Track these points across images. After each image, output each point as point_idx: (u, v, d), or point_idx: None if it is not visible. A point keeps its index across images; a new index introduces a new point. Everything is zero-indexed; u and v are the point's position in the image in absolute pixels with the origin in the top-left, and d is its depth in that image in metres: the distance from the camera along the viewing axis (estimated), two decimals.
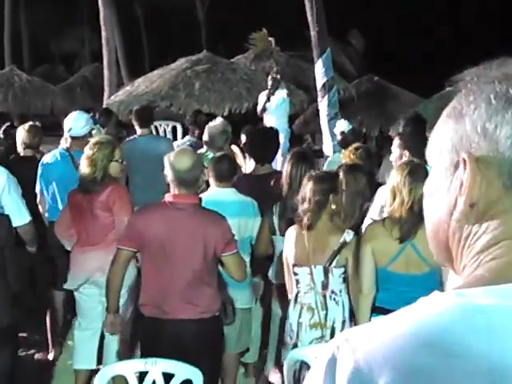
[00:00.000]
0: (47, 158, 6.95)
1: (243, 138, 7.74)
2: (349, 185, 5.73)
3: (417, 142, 5.58)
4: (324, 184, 4.83)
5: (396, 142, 5.81)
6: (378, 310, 4.50)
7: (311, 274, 4.86)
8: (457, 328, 1.01)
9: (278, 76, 13.39)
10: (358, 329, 1.10)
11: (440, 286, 4.54)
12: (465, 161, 1.10)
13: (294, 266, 4.92)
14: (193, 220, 4.72)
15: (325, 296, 4.86)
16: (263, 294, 6.24)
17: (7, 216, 5.01)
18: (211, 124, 7.54)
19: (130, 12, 32.62)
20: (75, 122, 6.89)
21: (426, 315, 1.04)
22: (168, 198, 4.82)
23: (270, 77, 14.17)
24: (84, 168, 5.66)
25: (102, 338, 5.86)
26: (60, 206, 6.68)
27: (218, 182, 5.74)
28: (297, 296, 4.94)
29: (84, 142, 6.77)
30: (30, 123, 8.05)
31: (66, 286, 5.92)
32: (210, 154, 6.88)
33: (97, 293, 5.73)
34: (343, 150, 7.33)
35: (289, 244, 4.95)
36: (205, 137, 7.61)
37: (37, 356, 6.75)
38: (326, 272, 4.86)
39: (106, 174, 5.64)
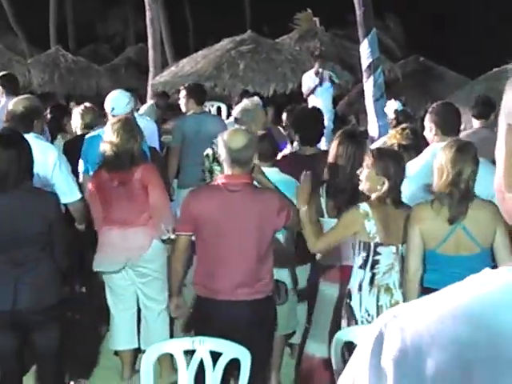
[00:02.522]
0: (90, 138, 6.99)
1: (285, 117, 7.67)
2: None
3: (445, 118, 5.62)
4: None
5: (427, 116, 5.80)
6: (426, 291, 4.43)
7: (397, 252, 4.76)
8: (509, 306, 0.99)
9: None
10: (407, 306, 1.09)
11: (491, 266, 4.51)
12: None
13: (379, 245, 4.73)
14: (247, 201, 4.71)
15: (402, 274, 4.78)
16: (308, 276, 6.19)
17: (55, 194, 5.06)
18: (242, 105, 7.29)
19: None
20: (117, 101, 6.87)
21: (477, 293, 1.03)
22: (221, 179, 4.82)
23: (317, 61, 14.19)
24: (114, 147, 5.59)
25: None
26: None
27: (260, 161, 5.70)
28: (373, 278, 4.76)
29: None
30: (86, 104, 8.16)
31: (103, 269, 5.85)
32: None
33: (131, 273, 5.80)
34: (390, 131, 7.26)
35: (370, 222, 4.72)
36: (237, 115, 7.37)
37: (84, 335, 6.80)
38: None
39: (137, 152, 5.64)
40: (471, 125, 11.61)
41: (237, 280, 4.72)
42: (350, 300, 4.80)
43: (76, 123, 7.91)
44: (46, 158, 5.70)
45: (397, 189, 4.76)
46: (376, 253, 4.74)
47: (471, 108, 8.14)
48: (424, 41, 25.45)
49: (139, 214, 5.66)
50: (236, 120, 7.33)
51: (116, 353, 6.21)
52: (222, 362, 4.14)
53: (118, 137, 5.59)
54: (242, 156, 4.71)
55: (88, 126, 7.77)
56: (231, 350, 4.15)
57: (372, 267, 4.75)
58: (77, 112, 8.00)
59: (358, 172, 4.85)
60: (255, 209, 4.71)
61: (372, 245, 4.72)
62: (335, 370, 4.31)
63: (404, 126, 6.93)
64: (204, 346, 4.15)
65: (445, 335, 1.00)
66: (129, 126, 5.69)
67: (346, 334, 4.41)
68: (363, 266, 4.77)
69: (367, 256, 4.75)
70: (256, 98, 7.80)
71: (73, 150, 6.86)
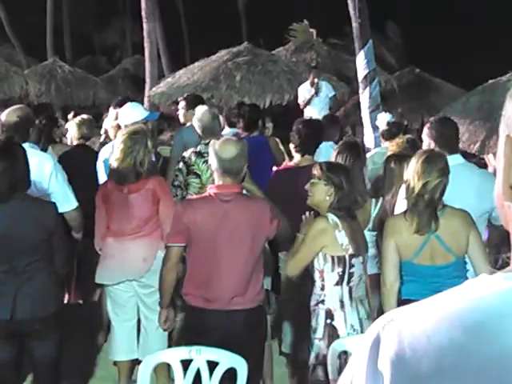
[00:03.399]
0: (106, 150, 6.96)
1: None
2: (398, 174, 5.77)
3: (444, 133, 5.61)
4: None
5: (425, 131, 5.82)
6: (404, 303, 4.42)
7: (364, 262, 4.84)
8: (504, 312, 1.00)
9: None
10: (405, 309, 1.10)
11: (466, 275, 4.54)
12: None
13: (352, 257, 4.74)
14: (239, 210, 4.73)
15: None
16: None
17: (54, 203, 5.06)
18: (197, 116, 6.89)
19: (171, 4, 32.71)
20: (128, 113, 6.88)
21: (473, 298, 1.04)
22: (212, 189, 4.83)
23: (312, 72, 14.24)
24: (120, 159, 5.59)
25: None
26: None
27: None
28: (351, 292, 4.75)
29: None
30: (83, 116, 8.19)
31: (105, 281, 5.86)
32: None
33: (135, 284, 5.77)
34: (393, 141, 7.27)
35: (341, 233, 4.71)
36: (201, 131, 6.93)
37: (81, 345, 6.80)
38: None
39: (145, 165, 5.61)
40: (467, 136, 11.66)
41: (230, 289, 4.73)
42: (332, 320, 4.74)
43: (72, 134, 7.94)
44: (42, 167, 5.70)
45: (347, 200, 4.78)
46: (351, 265, 4.73)
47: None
48: (422, 51, 25.55)
49: (144, 225, 5.65)
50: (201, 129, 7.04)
51: (114, 363, 6.20)
52: (219, 372, 4.15)
53: (120, 151, 5.61)
54: (234, 166, 4.74)
55: (84, 137, 7.80)
56: (228, 359, 4.16)
57: (348, 281, 4.74)
58: (73, 123, 8.03)
59: (305, 187, 4.87)
60: (248, 218, 4.73)
61: (347, 257, 4.71)
62: (331, 379, 4.32)
63: (408, 136, 6.99)
64: (201, 355, 4.16)
65: (441, 338, 1.01)
66: (131, 140, 5.64)
67: (341, 343, 4.42)
68: (340, 282, 4.74)
69: (343, 271, 4.72)
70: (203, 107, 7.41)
71: (70, 161, 6.87)
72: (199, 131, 6.83)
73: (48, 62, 22.36)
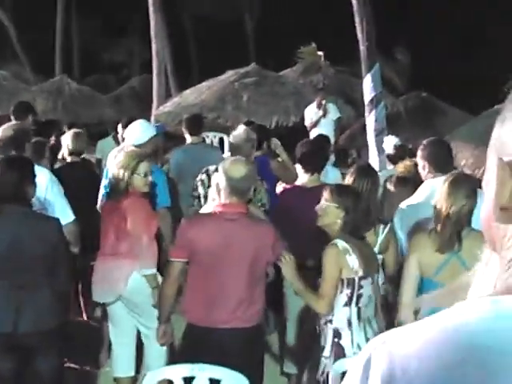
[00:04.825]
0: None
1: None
2: (400, 196, 5.80)
3: (436, 154, 5.71)
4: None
5: (418, 153, 5.88)
6: None
7: (374, 282, 4.87)
8: (490, 335, 1.02)
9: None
10: (395, 331, 1.12)
11: None
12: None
13: (362, 278, 4.79)
14: (244, 231, 4.75)
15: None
16: None
17: (57, 218, 5.08)
18: (234, 133, 7.30)
19: (179, 24, 32.87)
20: (135, 131, 6.95)
21: (461, 321, 1.06)
22: (217, 207, 4.85)
23: (319, 94, 14.28)
24: (111, 176, 5.73)
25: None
26: None
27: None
28: (359, 313, 4.79)
29: (144, 149, 6.87)
30: (75, 130, 8.22)
31: (100, 300, 5.95)
32: None
33: (126, 302, 5.77)
34: (401, 164, 7.29)
35: (351, 257, 4.74)
36: (229, 146, 7.50)
37: (83, 360, 6.80)
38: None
39: (127, 185, 5.65)
40: (472, 161, 11.67)
41: (231, 308, 4.75)
42: (340, 339, 4.78)
43: (64, 149, 7.94)
44: (38, 180, 5.70)
45: (356, 223, 4.83)
46: (360, 286, 4.78)
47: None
48: (429, 76, 25.58)
49: (117, 245, 5.66)
50: (232, 146, 7.31)
51: (115, 379, 6.21)
52: None
53: (115, 168, 5.69)
54: (241, 186, 4.76)
55: (76, 153, 7.83)
56: (230, 377, 4.16)
57: (357, 302, 4.79)
58: (66, 138, 8.03)
59: (316, 208, 4.90)
60: (251, 239, 4.76)
61: (356, 279, 4.75)
62: None
63: (415, 160, 7.03)
64: (203, 373, 4.17)
65: (431, 359, 1.03)
66: (126, 158, 5.72)
67: (342, 364, 4.43)
68: (348, 303, 4.78)
69: (352, 292, 4.77)
70: (244, 127, 7.71)
71: (64, 177, 6.75)
72: (229, 147, 7.01)
73: (56, 80, 22.45)
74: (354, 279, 4.74)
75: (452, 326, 1.06)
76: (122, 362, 5.98)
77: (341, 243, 4.73)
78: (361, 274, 4.73)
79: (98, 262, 5.86)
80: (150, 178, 5.77)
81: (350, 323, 4.78)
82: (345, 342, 4.76)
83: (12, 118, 8.87)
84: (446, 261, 4.57)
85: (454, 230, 4.53)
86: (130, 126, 7.10)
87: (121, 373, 6.00)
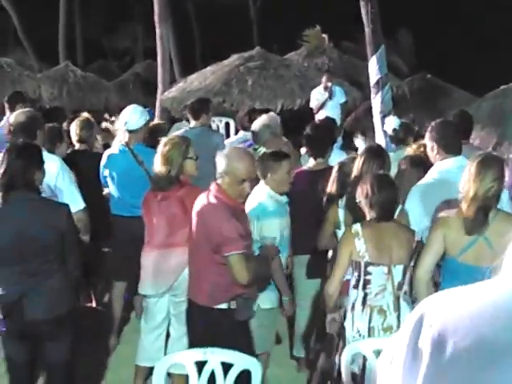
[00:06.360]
0: (108, 154, 7.05)
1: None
2: (412, 177, 5.80)
3: (445, 135, 5.69)
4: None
5: (427, 134, 5.85)
6: None
7: (389, 273, 4.77)
8: None
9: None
10: (448, 294, 1.16)
11: None
12: None
13: (369, 264, 4.76)
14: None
15: (398, 297, 4.78)
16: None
17: (67, 205, 5.06)
18: (258, 119, 7.57)
19: (183, 9, 32.79)
20: (130, 116, 6.91)
21: (504, 291, 1.09)
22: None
23: (325, 76, 14.27)
24: (158, 166, 5.60)
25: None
26: (124, 201, 6.81)
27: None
28: (365, 298, 4.79)
29: (141, 135, 6.88)
30: (83, 117, 8.21)
31: (145, 292, 5.78)
32: (263, 150, 6.87)
33: (167, 295, 5.74)
34: (407, 147, 7.28)
35: (360, 241, 4.77)
36: (252, 132, 7.72)
37: (93, 346, 6.82)
38: (405, 271, 4.81)
39: (180, 172, 5.61)
40: (479, 142, 11.64)
41: (194, 285, 5.19)
42: (344, 320, 4.85)
43: (73, 136, 7.92)
44: (49, 167, 5.71)
45: (383, 204, 4.81)
46: (367, 272, 4.78)
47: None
48: (433, 57, 25.51)
49: (172, 235, 5.57)
50: (253, 134, 7.47)
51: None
52: (233, 373, 4.17)
53: (158, 158, 5.63)
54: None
55: (82, 140, 7.82)
56: (242, 360, 4.18)
57: (364, 287, 4.80)
58: (72, 126, 8.04)
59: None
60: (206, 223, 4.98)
61: (362, 264, 4.77)
62: (345, 381, 4.35)
63: (421, 142, 7.02)
64: (215, 356, 4.18)
65: (484, 320, 1.07)
66: (173, 145, 5.65)
67: (353, 347, 4.45)
68: (356, 286, 4.83)
69: (359, 276, 4.81)
70: (273, 114, 7.90)
71: (72, 164, 6.76)
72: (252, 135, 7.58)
73: (60, 67, 22.43)
74: (359, 263, 4.78)
75: (507, 292, 1.08)
76: (145, 351, 5.93)
77: (356, 226, 4.79)
78: (367, 259, 4.74)
79: (147, 254, 5.71)
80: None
81: (353, 307, 4.82)
82: (347, 323, 4.84)
83: (6, 106, 8.99)
84: (472, 242, 4.50)
85: (481, 212, 4.44)
86: (123, 112, 7.06)
87: (142, 362, 5.95)
